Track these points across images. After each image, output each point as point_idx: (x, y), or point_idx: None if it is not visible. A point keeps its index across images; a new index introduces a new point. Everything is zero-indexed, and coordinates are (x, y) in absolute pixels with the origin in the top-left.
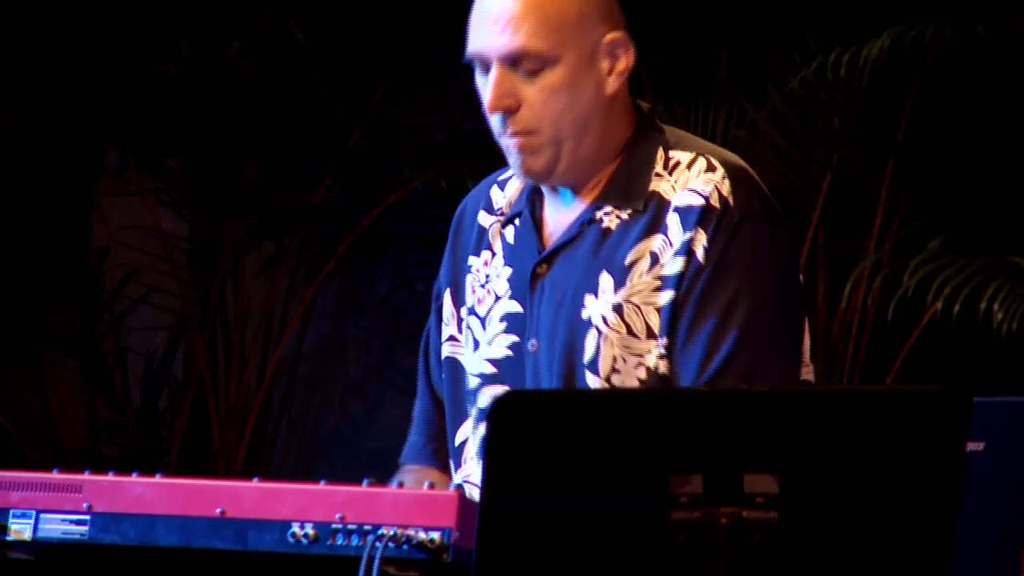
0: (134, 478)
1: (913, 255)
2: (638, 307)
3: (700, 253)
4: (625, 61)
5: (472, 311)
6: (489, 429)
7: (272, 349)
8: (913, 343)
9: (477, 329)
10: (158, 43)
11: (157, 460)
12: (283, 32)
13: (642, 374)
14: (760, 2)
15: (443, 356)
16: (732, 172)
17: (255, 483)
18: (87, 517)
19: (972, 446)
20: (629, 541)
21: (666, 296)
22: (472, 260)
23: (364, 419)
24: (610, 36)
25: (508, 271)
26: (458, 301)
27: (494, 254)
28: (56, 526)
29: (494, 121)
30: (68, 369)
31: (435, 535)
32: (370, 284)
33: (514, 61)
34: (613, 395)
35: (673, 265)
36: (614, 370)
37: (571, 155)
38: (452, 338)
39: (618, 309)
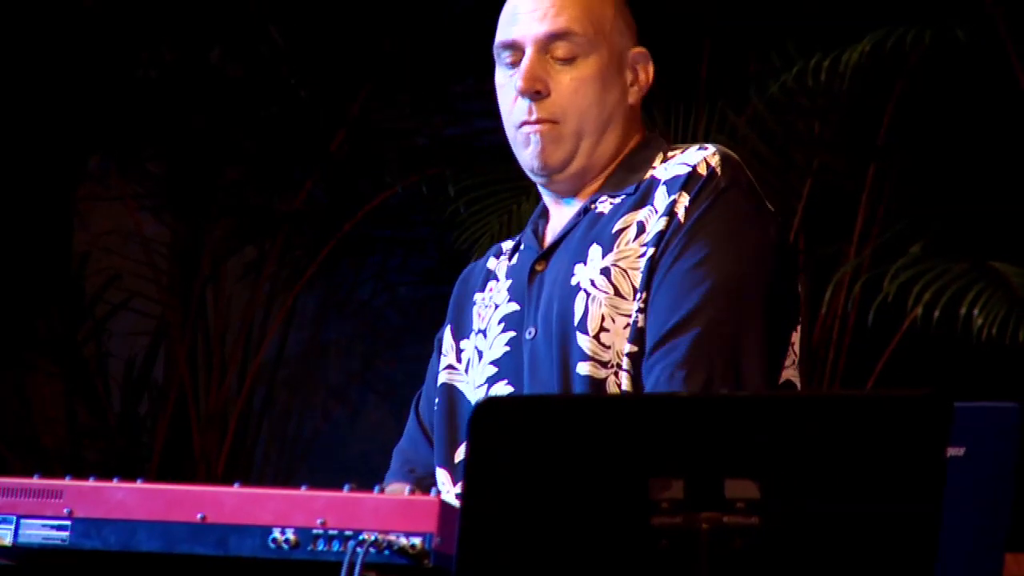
0: (115, 483)
1: (893, 260)
2: (624, 271)
3: (681, 212)
4: (645, 76)
5: (479, 331)
6: (470, 434)
7: (253, 354)
8: (893, 348)
9: (480, 342)
10: (139, 48)
11: (138, 465)
12: (264, 37)
13: (630, 334)
14: (741, 7)
15: (439, 383)
16: (723, 151)
17: (236, 488)
18: (68, 522)
19: (953, 451)
20: (610, 546)
21: (648, 254)
22: (478, 296)
23: (345, 424)
24: (636, 49)
25: (508, 282)
26: (458, 334)
27: (498, 280)
28: (37, 531)
29: (518, 109)
30: (49, 374)
31: (416, 540)
32: (351, 289)
33: (551, 45)
34: (594, 400)
35: (656, 226)
36: (603, 328)
37: (588, 153)
38: (450, 366)
39: (605, 272)
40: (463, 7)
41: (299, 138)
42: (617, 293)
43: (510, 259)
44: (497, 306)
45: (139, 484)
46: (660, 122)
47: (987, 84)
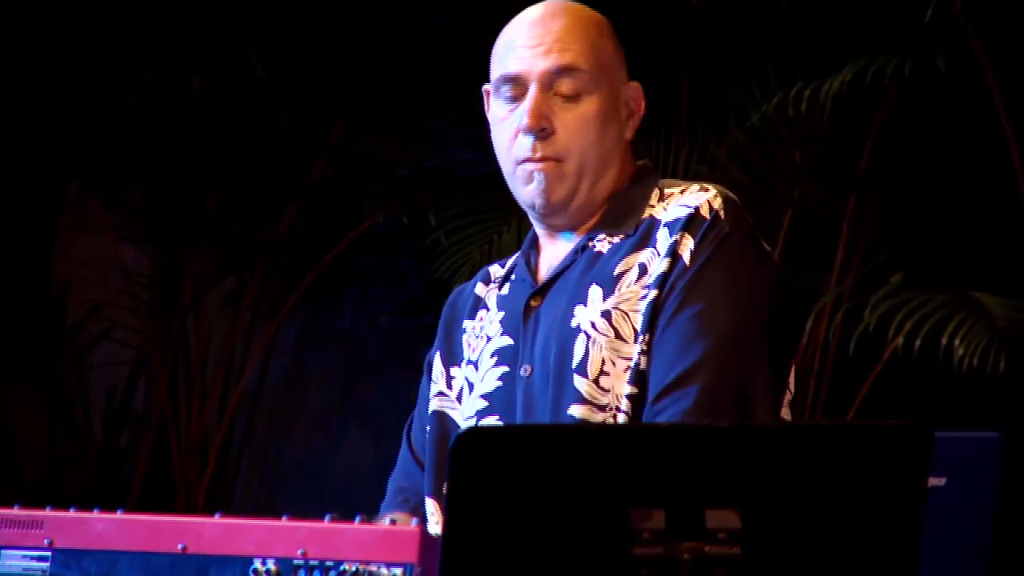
0: (96, 514)
1: (874, 290)
2: (626, 313)
3: (686, 255)
4: (638, 111)
5: (470, 362)
6: (451, 464)
7: (234, 384)
8: (874, 378)
9: (471, 374)
10: (120, 77)
11: (119, 495)
12: (245, 65)
13: (630, 377)
14: (721, 37)
15: (431, 410)
16: (724, 194)
17: (217, 519)
18: (48, 553)
19: (934, 481)
20: None
21: (650, 296)
22: (467, 323)
23: (326, 454)
24: (630, 84)
25: (500, 314)
26: (448, 361)
27: (488, 309)
28: (17, 562)
29: (520, 145)
30: (29, 404)
31: (397, 571)
32: (332, 319)
33: (556, 81)
34: (575, 430)
35: (659, 267)
36: (602, 372)
37: (588, 191)
38: (441, 393)
39: (606, 315)
40: (445, 37)
41: (279, 167)
42: (618, 336)
43: (500, 288)
44: (489, 338)
45: (120, 514)
46: (641, 153)
47: (967, 113)
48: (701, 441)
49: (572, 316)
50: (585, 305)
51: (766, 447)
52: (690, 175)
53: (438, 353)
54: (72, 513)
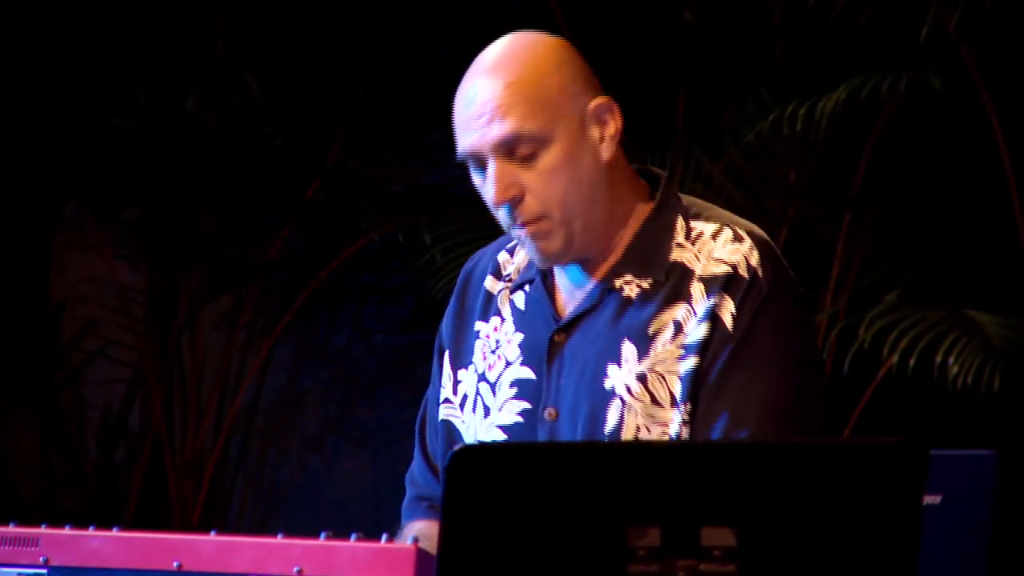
0: (91, 531)
1: (869, 308)
2: (661, 376)
3: (727, 320)
4: (614, 124)
5: (483, 377)
6: (446, 482)
7: (229, 401)
8: (870, 396)
9: (487, 395)
10: (115, 95)
11: (114, 513)
12: (240, 84)
13: None
14: (716, 55)
15: (439, 418)
16: (760, 244)
17: (212, 536)
18: (44, 571)
19: (929, 499)
20: None
21: (689, 363)
22: (480, 326)
23: (321, 472)
24: (595, 103)
25: (519, 336)
26: (457, 363)
27: (503, 320)
28: None
29: (501, 214)
30: (25, 422)
31: None
32: (327, 337)
33: (509, 149)
34: (570, 448)
35: (697, 332)
36: (637, 439)
37: (583, 231)
38: (447, 400)
39: (642, 378)
40: (439, 55)
41: (275, 186)
42: (654, 401)
43: (512, 292)
44: (508, 363)
45: (115, 532)
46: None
47: (962, 132)
48: (696, 459)
49: (605, 376)
50: (619, 365)
51: (761, 465)
52: (685, 192)
53: (447, 353)
54: (68, 531)
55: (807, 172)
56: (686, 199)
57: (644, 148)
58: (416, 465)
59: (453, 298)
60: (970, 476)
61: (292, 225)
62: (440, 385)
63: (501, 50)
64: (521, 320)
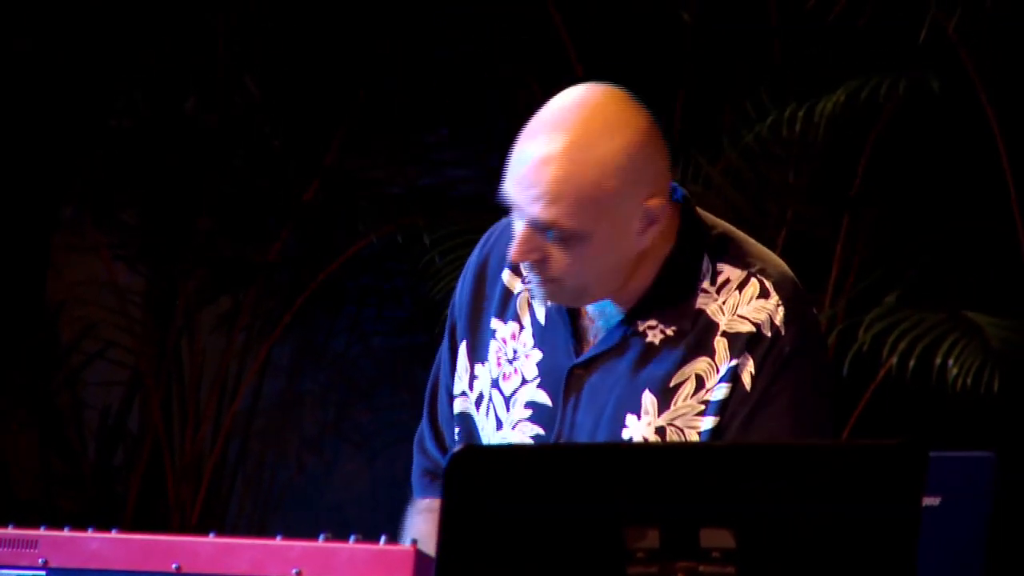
0: (90, 533)
1: (868, 310)
2: (681, 430)
3: (747, 380)
4: (661, 222)
5: (496, 384)
6: (445, 484)
7: (227, 404)
8: (869, 398)
9: (500, 407)
10: (114, 96)
11: (113, 515)
12: (238, 86)
13: None
14: (715, 56)
15: (456, 410)
16: (786, 298)
17: (211, 538)
18: (43, 572)
19: (928, 501)
20: None
21: (708, 421)
22: (496, 324)
23: (320, 474)
24: (649, 203)
25: (538, 355)
26: (474, 357)
27: (522, 327)
28: None
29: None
30: (23, 424)
31: None
32: (326, 339)
33: (543, 229)
34: (569, 450)
35: (718, 391)
36: None
37: (598, 294)
38: (463, 393)
39: (660, 431)
40: (437, 57)
41: (273, 187)
42: None
43: (532, 296)
44: (525, 381)
45: (114, 534)
46: None
47: (961, 134)
48: (696, 461)
49: (624, 426)
50: (639, 417)
51: (761, 467)
52: None
53: (464, 343)
54: (66, 533)
55: (806, 174)
56: (709, 220)
57: None
58: (425, 431)
59: (469, 275)
60: (969, 478)
61: (291, 227)
62: (455, 374)
63: (576, 115)
64: (541, 337)
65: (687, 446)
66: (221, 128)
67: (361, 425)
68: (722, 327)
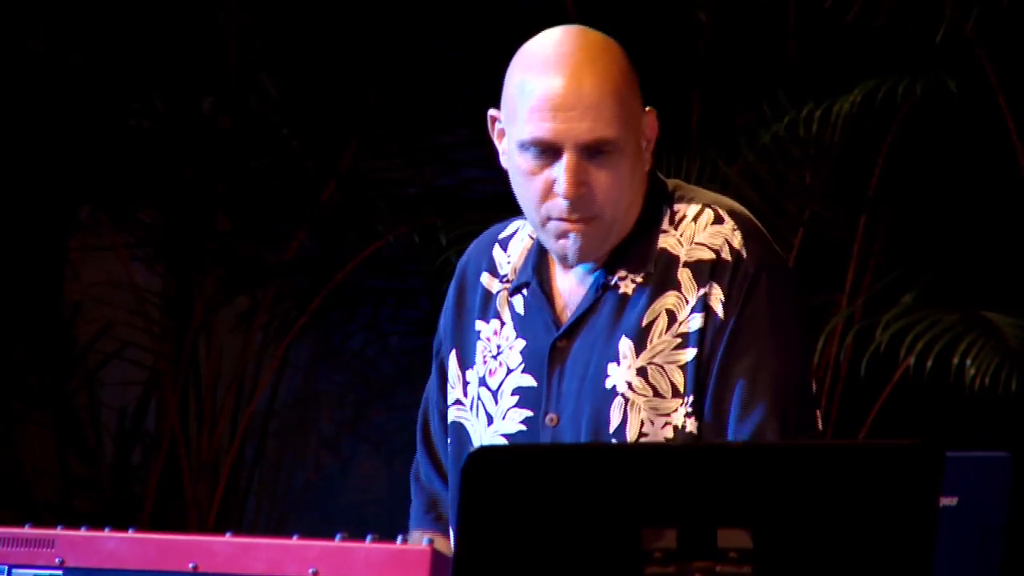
0: (107, 533)
1: (885, 310)
2: (661, 367)
3: (719, 308)
4: (654, 137)
5: (483, 382)
6: (462, 484)
7: (245, 404)
8: (886, 398)
9: (489, 402)
10: (131, 97)
11: (130, 515)
12: (256, 87)
13: (669, 433)
14: (732, 56)
15: (449, 420)
16: (741, 223)
17: (228, 538)
18: (60, 572)
19: (945, 501)
20: None
21: (689, 353)
22: (480, 325)
23: (337, 474)
24: (647, 113)
25: (521, 343)
26: (464, 363)
27: (503, 323)
28: None
29: (553, 205)
30: (40, 424)
31: None
32: (343, 339)
33: (593, 149)
34: (586, 449)
35: (692, 322)
36: (641, 434)
37: (617, 235)
38: (458, 402)
39: (642, 372)
40: (452, 57)
41: (290, 188)
42: (656, 394)
43: (511, 294)
44: (510, 370)
45: (131, 533)
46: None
47: (978, 134)
48: (712, 460)
49: (606, 376)
50: (618, 363)
51: (778, 466)
52: None
53: (453, 352)
54: (83, 532)
55: (823, 174)
56: (671, 183)
57: (658, 150)
58: (420, 462)
59: (451, 295)
60: (986, 478)
61: (307, 227)
62: (449, 385)
63: (570, 41)
64: (522, 326)
65: (705, 445)
66: (238, 129)
67: (378, 425)
68: (683, 258)
